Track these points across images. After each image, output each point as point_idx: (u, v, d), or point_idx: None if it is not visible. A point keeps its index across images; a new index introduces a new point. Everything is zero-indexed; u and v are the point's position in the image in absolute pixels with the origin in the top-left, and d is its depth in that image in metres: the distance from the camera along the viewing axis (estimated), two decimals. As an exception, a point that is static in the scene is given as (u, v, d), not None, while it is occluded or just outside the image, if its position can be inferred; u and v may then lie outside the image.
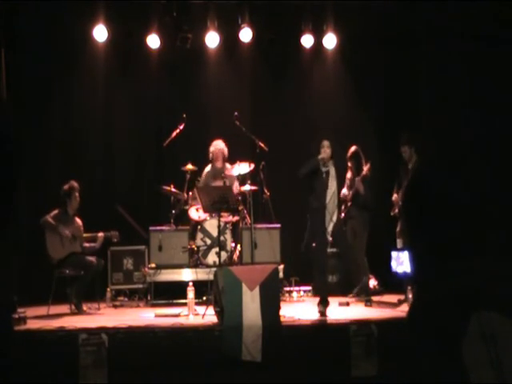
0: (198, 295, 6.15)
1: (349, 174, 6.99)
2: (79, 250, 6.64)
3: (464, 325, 1.25)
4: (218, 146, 7.55)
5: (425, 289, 1.38)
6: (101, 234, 6.80)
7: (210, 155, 7.60)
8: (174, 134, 7.56)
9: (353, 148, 7.00)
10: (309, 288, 7.56)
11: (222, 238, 6.74)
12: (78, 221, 6.80)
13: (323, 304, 5.80)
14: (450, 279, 1.31)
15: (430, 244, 1.37)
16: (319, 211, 6.10)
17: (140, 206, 8.14)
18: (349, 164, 7.00)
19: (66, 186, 6.76)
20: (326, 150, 6.13)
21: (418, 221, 1.39)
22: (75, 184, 6.78)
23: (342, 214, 7.00)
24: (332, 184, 6.12)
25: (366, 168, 6.73)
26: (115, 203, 7.55)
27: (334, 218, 6.11)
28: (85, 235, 6.79)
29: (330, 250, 7.76)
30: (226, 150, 7.56)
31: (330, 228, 6.09)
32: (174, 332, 5.16)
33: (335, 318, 5.65)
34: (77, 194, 6.75)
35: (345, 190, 6.96)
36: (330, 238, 6.14)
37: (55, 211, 6.67)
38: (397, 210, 6.85)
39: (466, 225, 1.34)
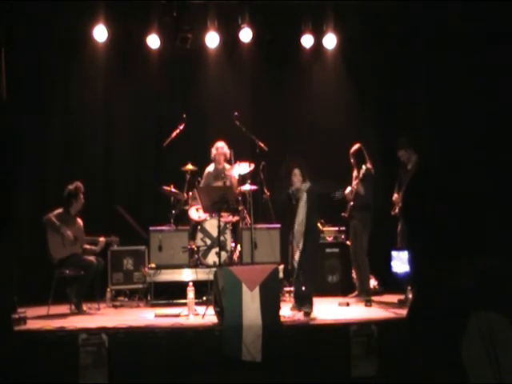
0: (198, 295, 6.15)
1: (354, 173, 7.00)
2: (80, 252, 6.63)
3: (463, 325, 1.25)
4: (221, 147, 7.54)
5: (424, 289, 1.38)
6: (102, 239, 6.78)
7: (212, 156, 7.60)
8: (174, 134, 7.56)
9: (356, 146, 7.00)
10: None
11: (222, 238, 6.74)
12: (80, 221, 6.79)
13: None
14: (449, 279, 1.31)
15: (429, 244, 1.37)
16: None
17: (140, 206, 8.14)
18: (352, 161, 7.01)
19: (71, 187, 6.71)
20: (297, 178, 6.19)
21: (418, 221, 1.39)
22: (80, 185, 6.75)
23: (346, 214, 7.01)
24: (300, 213, 6.11)
25: (362, 169, 6.73)
26: (115, 203, 7.55)
27: (300, 246, 6.03)
28: (86, 238, 6.77)
29: (330, 250, 7.80)
30: (228, 152, 7.55)
31: (296, 257, 6.06)
32: (174, 332, 5.16)
33: (335, 317, 5.65)
34: (81, 196, 6.73)
35: (348, 189, 6.97)
36: (296, 266, 6.04)
37: (59, 210, 6.64)
38: (397, 210, 6.85)
39: (466, 225, 1.34)
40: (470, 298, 1.28)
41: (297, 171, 6.24)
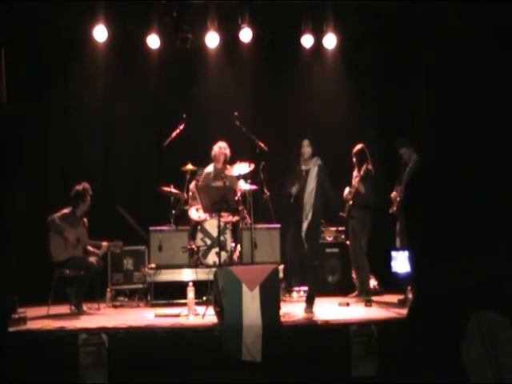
0: (198, 295, 6.15)
1: (355, 172, 7.00)
2: (81, 254, 6.60)
3: (463, 325, 1.25)
4: (221, 147, 7.54)
5: (425, 289, 1.38)
6: (105, 244, 6.75)
7: (213, 154, 7.60)
8: (174, 134, 7.56)
9: (358, 146, 7.00)
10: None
11: (222, 238, 6.74)
12: (85, 222, 6.75)
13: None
14: (449, 279, 1.31)
15: (429, 244, 1.37)
16: (295, 210, 6.14)
17: (140, 207, 8.14)
18: (354, 161, 7.02)
19: (79, 187, 6.65)
20: (305, 149, 6.21)
21: (418, 220, 1.39)
22: (88, 186, 6.70)
23: (344, 213, 7.01)
24: (310, 183, 6.11)
25: (363, 168, 6.74)
26: (115, 203, 7.55)
27: (309, 217, 6.04)
28: (89, 241, 6.74)
29: (330, 250, 7.80)
30: (228, 152, 7.55)
31: (304, 226, 6.05)
32: (174, 332, 5.16)
33: (335, 318, 5.65)
34: (88, 197, 6.70)
35: (347, 189, 6.97)
36: (304, 237, 6.04)
37: (64, 210, 6.60)
38: (395, 208, 6.85)
39: (466, 225, 1.34)
40: (470, 298, 1.28)
41: (306, 142, 6.24)
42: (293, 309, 6.14)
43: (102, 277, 6.88)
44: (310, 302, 5.93)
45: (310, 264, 6.17)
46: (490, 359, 1.23)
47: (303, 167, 6.21)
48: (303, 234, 6.01)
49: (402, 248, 6.70)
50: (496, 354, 1.23)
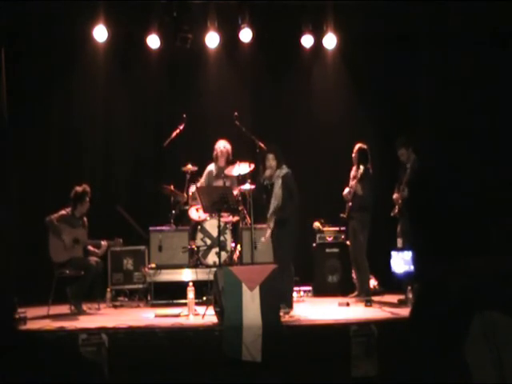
0: (197, 295, 6.15)
1: (352, 172, 6.99)
2: (80, 254, 6.60)
3: (466, 324, 1.25)
4: (225, 146, 7.51)
5: (427, 288, 1.38)
6: (104, 243, 6.75)
7: (214, 154, 7.57)
8: (174, 134, 7.56)
9: (357, 146, 6.99)
10: (309, 288, 7.57)
11: (222, 238, 6.73)
12: (85, 222, 6.74)
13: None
14: (451, 279, 1.31)
15: (431, 243, 1.37)
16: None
17: (140, 206, 8.14)
18: (353, 158, 7.01)
19: (79, 189, 6.67)
20: (270, 163, 6.21)
21: (420, 220, 1.39)
22: (88, 188, 6.72)
23: (345, 215, 7.01)
24: (276, 196, 6.12)
25: (360, 170, 6.73)
26: (115, 203, 7.55)
27: (271, 225, 6.15)
28: (88, 241, 6.73)
29: (330, 250, 7.81)
30: (230, 151, 7.53)
31: (267, 234, 6.18)
32: (174, 332, 5.16)
33: (335, 318, 5.65)
34: (87, 199, 6.71)
35: (347, 190, 6.97)
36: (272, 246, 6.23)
37: (63, 211, 6.60)
38: (397, 211, 6.85)
39: (468, 224, 1.34)
40: (472, 298, 1.28)
41: (270, 156, 6.25)
42: (293, 309, 6.14)
43: (102, 277, 6.88)
44: (286, 299, 5.88)
45: (287, 263, 6.01)
46: (493, 359, 1.23)
47: (266, 182, 6.24)
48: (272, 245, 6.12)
49: (404, 248, 6.70)
50: (499, 354, 1.23)
